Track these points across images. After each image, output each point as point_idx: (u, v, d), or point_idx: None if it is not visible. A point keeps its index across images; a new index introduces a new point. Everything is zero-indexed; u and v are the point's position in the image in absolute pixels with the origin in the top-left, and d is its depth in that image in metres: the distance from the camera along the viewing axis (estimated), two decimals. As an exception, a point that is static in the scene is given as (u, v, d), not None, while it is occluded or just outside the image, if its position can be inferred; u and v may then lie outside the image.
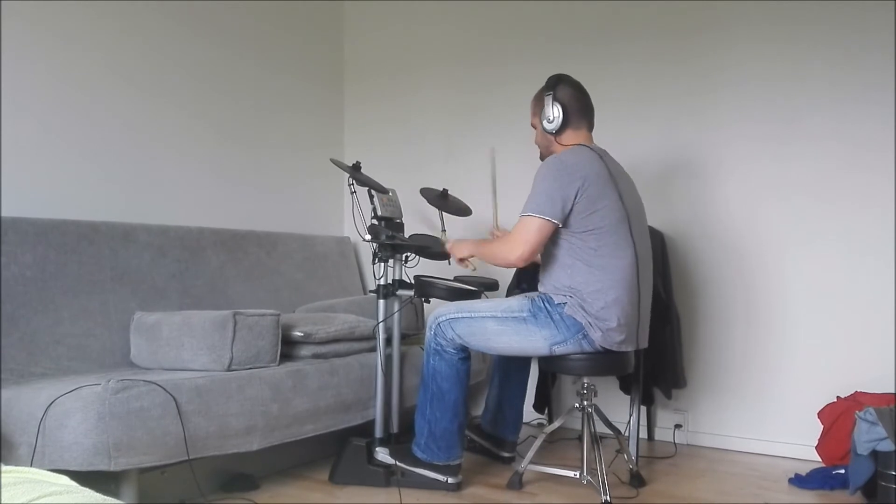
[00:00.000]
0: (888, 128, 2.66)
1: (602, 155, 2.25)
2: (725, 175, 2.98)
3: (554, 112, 2.30)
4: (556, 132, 2.31)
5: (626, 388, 2.94)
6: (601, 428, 2.44)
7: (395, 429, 2.58)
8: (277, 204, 3.60)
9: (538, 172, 2.21)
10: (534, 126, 2.42)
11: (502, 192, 2.85)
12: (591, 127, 2.36)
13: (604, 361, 2.26)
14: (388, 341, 2.61)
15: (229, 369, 2.24)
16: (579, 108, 2.32)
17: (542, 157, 2.37)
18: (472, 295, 2.47)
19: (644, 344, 2.34)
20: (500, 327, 2.28)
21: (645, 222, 2.38)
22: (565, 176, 2.14)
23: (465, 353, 2.38)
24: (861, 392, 2.56)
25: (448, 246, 2.52)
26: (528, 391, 2.78)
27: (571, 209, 2.15)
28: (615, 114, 3.06)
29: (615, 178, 2.21)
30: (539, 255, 2.35)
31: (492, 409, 2.73)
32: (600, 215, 2.16)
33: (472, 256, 2.47)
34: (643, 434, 3.03)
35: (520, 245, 2.19)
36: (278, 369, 2.35)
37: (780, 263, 2.87)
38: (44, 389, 1.94)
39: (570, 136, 2.31)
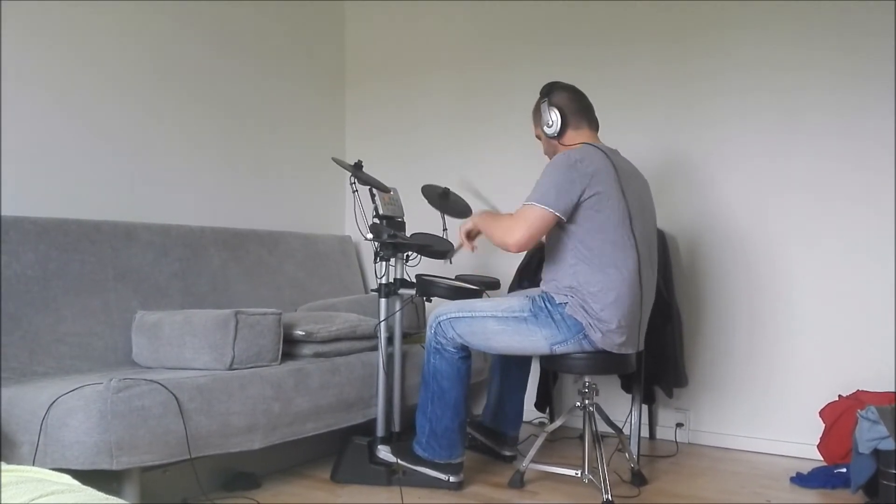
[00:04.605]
0: (889, 123, 2.66)
1: (610, 154, 2.25)
2: (726, 172, 2.98)
3: (552, 116, 2.32)
4: (558, 135, 2.33)
5: (627, 386, 2.94)
6: (602, 427, 2.44)
7: (396, 427, 2.59)
8: (279, 203, 3.60)
9: (547, 166, 2.22)
10: (538, 137, 2.45)
11: (503, 190, 2.85)
12: (593, 126, 2.38)
13: (605, 360, 2.26)
14: (390, 340, 2.61)
15: (231, 368, 2.25)
16: (577, 109, 2.34)
17: None
18: (474, 294, 2.47)
19: (641, 346, 2.34)
20: (500, 327, 2.28)
21: (653, 224, 2.38)
22: (574, 171, 2.15)
23: (465, 352, 2.38)
24: (863, 390, 2.56)
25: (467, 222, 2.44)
26: (529, 390, 2.78)
27: (578, 204, 2.15)
28: (616, 110, 3.06)
29: (622, 177, 2.20)
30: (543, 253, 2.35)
31: (492, 404, 2.74)
32: (605, 215, 2.16)
33: (477, 233, 2.40)
34: (644, 433, 3.03)
35: (519, 230, 2.16)
36: (280, 368, 2.35)
37: (782, 261, 2.87)
38: (46, 388, 1.94)
39: (571, 137, 2.33)
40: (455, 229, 2.99)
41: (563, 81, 2.40)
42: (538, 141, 2.48)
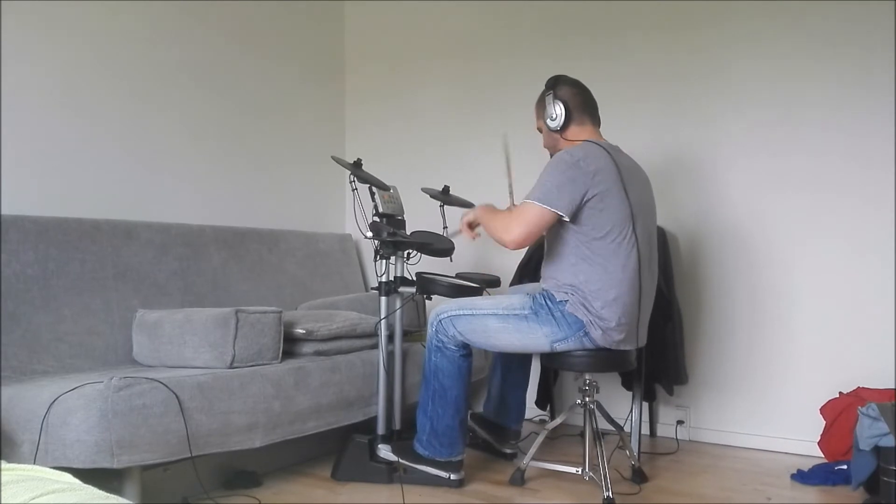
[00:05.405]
0: (890, 120, 2.65)
1: (611, 151, 2.24)
2: (726, 168, 2.97)
3: (556, 110, 2.31)
4: (561, 129, 2.32)
5: (627, 384, 2.94)
6: (603, 424, 2.44)
7: (397, 425, 2.59)
8: (279, 201, 3.60)
9: (548, 164, 2.21)
10: (539, 130, 2.44)
11: (504, 183, 2.84)
12: (596, 122, 2.37)
13: (605, 358, 2.26)
14: (390, 338, 2.61)
15: (231, 367, 2.25)
16: (581, 104, 2.33)
17: None
18: (474, 292, 2.47)
19: (642, 342, 2.34)
20: (501, 324, 2.28)
21: (653, 221, 2.37)
22: (576, 170, 2.14)
23: (466, 349, 2.38)
24: (863, 387, 2.56)
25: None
26: (529, 387, 2.78)
27: (582, 204, 2.14)
28: (615, 108, 3.05)
29: (623, 175, 2.20)
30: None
31: (494, 397, 2.73)
32: (607, 214, 2.15)
33: (477, 224, 2.41)
34: (645, 430, 3.03)
35: (516, 228, 2.16)
36: (280, 366, 2.35)
37: (782, 258, 2.87)
38: (46, 387, 1.94)
39: (574, 132, 2.32)
40: (455, 226, 3.00)
41: (568, 75, 2.39)
42: (539, 133, 2.47)
